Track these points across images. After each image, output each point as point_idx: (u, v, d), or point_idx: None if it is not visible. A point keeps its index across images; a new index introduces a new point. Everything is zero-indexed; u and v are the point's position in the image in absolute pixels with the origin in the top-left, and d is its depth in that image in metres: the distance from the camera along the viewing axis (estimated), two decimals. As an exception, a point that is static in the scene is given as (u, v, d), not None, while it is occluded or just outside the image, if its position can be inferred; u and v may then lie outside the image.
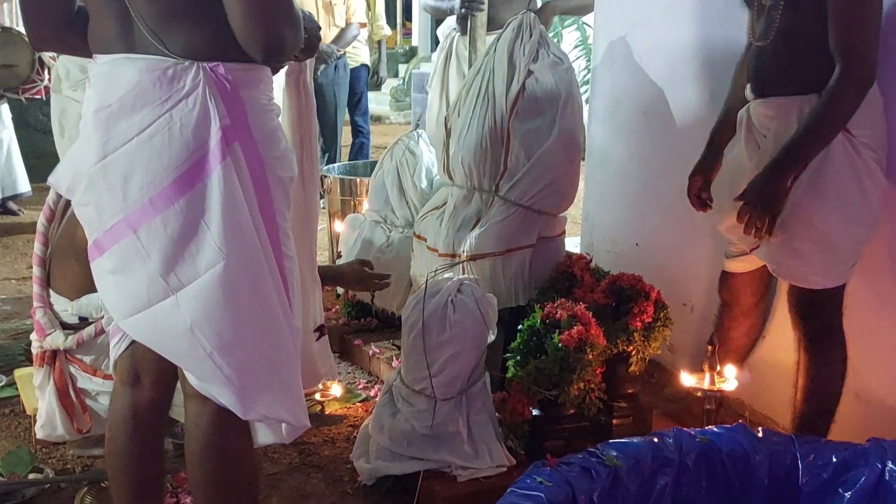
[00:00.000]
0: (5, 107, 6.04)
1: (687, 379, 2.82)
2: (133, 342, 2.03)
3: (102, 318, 2.66)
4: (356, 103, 6.93)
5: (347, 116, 6.95)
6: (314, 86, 6.36)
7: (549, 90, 3.14)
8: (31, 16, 1.97)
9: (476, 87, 3.27)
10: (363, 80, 6.97)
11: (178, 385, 2.06)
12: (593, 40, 3.78)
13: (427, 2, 4.59)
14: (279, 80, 2.37)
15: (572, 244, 3.93)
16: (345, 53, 6.51)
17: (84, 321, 2.82)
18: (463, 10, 4.10)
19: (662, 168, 3.46)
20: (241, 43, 1.79)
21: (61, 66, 3.69)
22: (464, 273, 3.15)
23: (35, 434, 2.88)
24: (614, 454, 2.25)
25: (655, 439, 2.34)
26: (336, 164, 5.05)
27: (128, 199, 1.82)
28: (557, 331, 2.74)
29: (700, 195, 2.90)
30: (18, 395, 3.10)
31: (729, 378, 2.80)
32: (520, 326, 2.86)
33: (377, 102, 11.64)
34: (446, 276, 2.95)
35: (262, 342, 1.89)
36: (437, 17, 4.85)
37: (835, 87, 2.38)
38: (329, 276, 3.17)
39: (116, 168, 1.82)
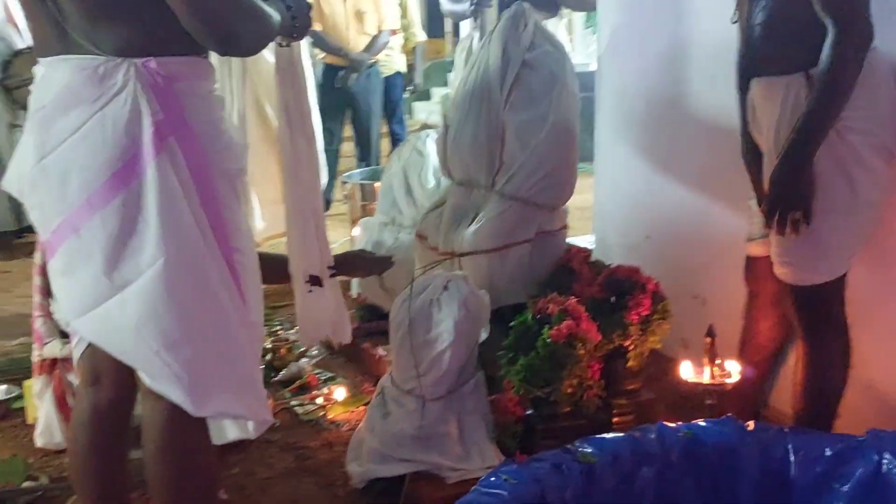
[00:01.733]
0: None
1: (686, 373, 2.70)
2: (91, 344, 2.02)
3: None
4: (392, 111, 6.90)
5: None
6: (346, 95, 6.39)
7: (542, 80, 3.06)
8: None
9: (472, 80, 3.21)
10: (398, 88, 6.93)
11: None
12: (598, 29, 3.69)
13: (445, 8, 4.64)
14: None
15: (587, 241, 3.85)
16: (377, 62, 6.48)
17: None
18: (472, 7, 4.06)
19: (669, 157, 3.36)
20: (199, 41, 1.79)
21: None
22: (460, 270, 3.08)
23: (35, 441, 2.92)
24: (589, 450, 2.16)
25: (636, 434, 2.24)
26: (357, 171, 5.03)
27: (67, 198, 1.81)
28: (547, 326, 2.66)
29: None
30: (26, 405, 3.13)
31: (731, 372, 2.68)
32: (512, 323, 2.78)
33: (428, 112, 11.63)
34: (436, 273, 2.89)
35: (211, 338, 1.87)
36: (456, 21, 4.89)
37: (833, 51, 2.21)
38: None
39: (54, 169, 1.82)
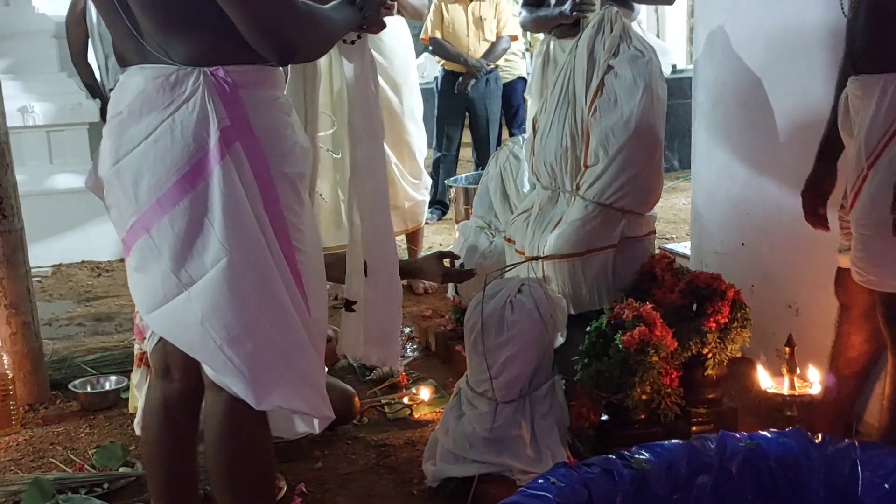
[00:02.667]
0: None
1: (765, 382, 2.63)
2: (161, 339, 2.13)
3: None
4: (513, 116, 6.93)
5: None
6: (465, 101, 6.42)
7: (626, 84, 3.04)
8: None
9: (559, 85, 3.22)
10: (520, 93, 6.95)
11: None
12: (694, 32, 3.61)
13: (528, 18, 4.26)
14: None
15: (683, 247, 3.78)
16: (497, 67, 6.53)
17: None
18: (574, 14, 4.00)
19: (764, 163, 3.26)
20: (259, 52, 1.88)
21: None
22: (544, 275, 3.09)
23: (135, 430, 3.10)
24: (644, 456, 2.14)
25: (695, 442, 2.20)
26: (463, 175, 5.09)
27: (139, 200, 1.92)
28: (620, 332, 2.64)
29: (817, 213, 2.65)
30: (132, 396, 3.32)
31: (812, 382, 2.59)
32: (588, 328, 2.77)
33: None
34: (513, 275, 2.91)
35: (272, 334, 1.93)
36: (539, 31, 4.44)
37: None
38: (408, 270, 3.19)
39: (128, 171, 1.93)
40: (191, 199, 1.88)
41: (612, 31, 3.13)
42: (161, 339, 2.15)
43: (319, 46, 2.01)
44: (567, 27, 3.76)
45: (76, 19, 5.34)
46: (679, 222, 6.07)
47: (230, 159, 1.87)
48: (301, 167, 2.03)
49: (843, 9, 2.49)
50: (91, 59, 5.44)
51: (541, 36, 7.09)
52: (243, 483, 2.07)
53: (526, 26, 4.46)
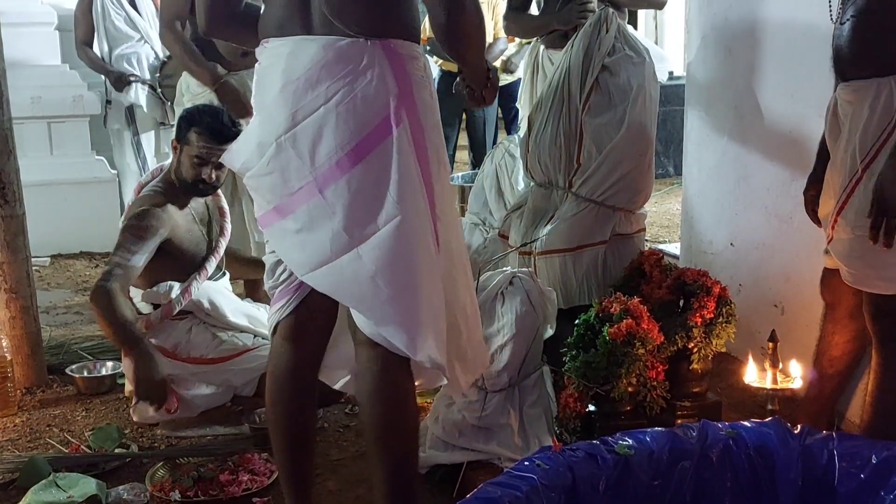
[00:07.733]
0: None
1: (750, 377, 2.68)
2: (297, 306, 2.22)
3: (169, 303, 2.93)
4: (511, 119, 6.98)
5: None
6: (462, 102, 6.43)
7: (620, 84, 3.11)
8: (205, 4, 2.24)
9: (555, 83, 3.28)
10: (517, 95, 7.01)
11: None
12: (686, 34, 3.68)
13: (516, 23, 4.06)
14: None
15: (674, 248, 3.84)
16: (494, 69, 6.58)
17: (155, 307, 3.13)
18: (579, 19, 3.89)
19: (752, 163, 3.32)
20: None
21: (183, 82, 4.00)
22: (535, 269, 3.15)
23: (132, 415, 3.15)
24: (628, 443, 2.19)
25: (678, 431, 2.26)
26: (461, 174, 5.15)
27: (316, 162, 2.02)
28: (608, 324, 2.70)
29: (816, 210, 2.70)
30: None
31: (795, 377, 2.65)
32: (577, 321, 2.83)
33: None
34: (505, 268, 2.97)
35: (430, 292, 2.05)
36: (528, 37, 4.38)
37: None
38: None
39: (305, 135, 2.03)
40: (369, 160, 2.00)
41: (607, 32, 3.20)
42: (298, 305, 2.21)
43: None
44: (556, 37, 3.75)
45: (84, 11, 5.44)
46: (672, 227, 6.13)
47: (403, 126, 2.01)
48: (442, 141, 2.16)
49: (831, 14, 2.54)
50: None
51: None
52: (398, 435, 2.14)
53: (513, 31, 4.32)
